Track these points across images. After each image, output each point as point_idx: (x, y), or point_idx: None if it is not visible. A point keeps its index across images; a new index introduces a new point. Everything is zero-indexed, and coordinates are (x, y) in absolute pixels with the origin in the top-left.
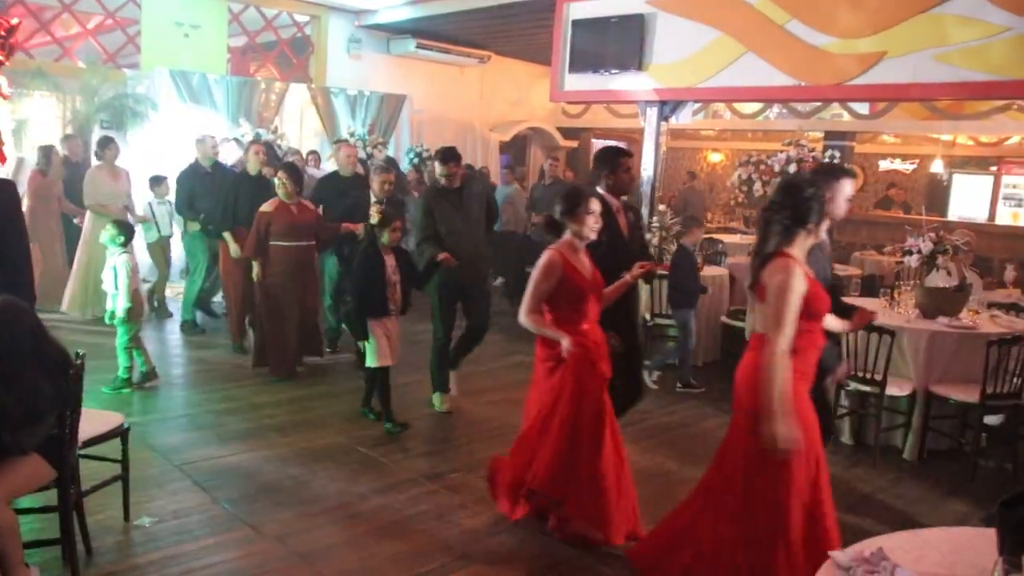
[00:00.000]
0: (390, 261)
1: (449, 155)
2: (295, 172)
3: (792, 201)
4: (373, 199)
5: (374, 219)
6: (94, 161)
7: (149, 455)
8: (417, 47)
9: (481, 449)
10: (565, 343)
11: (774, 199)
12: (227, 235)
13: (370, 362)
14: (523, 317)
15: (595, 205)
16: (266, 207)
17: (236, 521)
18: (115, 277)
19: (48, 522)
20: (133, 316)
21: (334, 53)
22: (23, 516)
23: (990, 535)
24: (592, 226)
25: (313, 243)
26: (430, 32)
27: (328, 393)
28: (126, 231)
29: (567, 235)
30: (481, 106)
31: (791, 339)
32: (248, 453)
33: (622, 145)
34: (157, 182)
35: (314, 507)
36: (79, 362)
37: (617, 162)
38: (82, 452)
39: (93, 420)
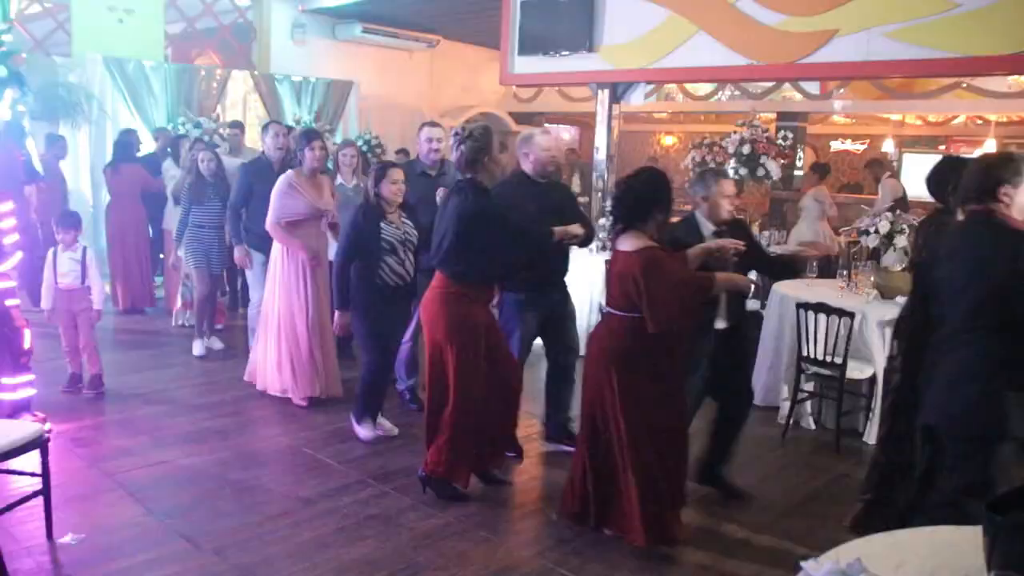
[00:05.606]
0: None
1: None
2: None
3: None
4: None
5: None
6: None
7: (77, 465)
8: (364, 32)
9: None
10: None
11: None
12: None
13: None
14: None
15: None
16: None
17: (171, 534)
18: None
19: None
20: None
21: (278, 39)
22: None
23: (968, 534)
24: None
25: None
26: (377, 16)
27: None
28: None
29: None
30: (431, 91)
31: None
32: (187, 459)
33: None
34: None
35: (256, 516)
36: None
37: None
38: None
39: (6, 431)
